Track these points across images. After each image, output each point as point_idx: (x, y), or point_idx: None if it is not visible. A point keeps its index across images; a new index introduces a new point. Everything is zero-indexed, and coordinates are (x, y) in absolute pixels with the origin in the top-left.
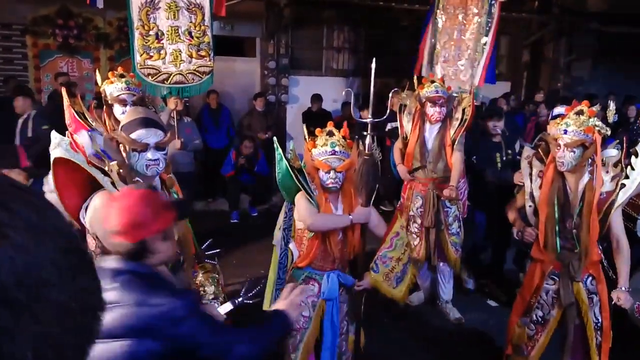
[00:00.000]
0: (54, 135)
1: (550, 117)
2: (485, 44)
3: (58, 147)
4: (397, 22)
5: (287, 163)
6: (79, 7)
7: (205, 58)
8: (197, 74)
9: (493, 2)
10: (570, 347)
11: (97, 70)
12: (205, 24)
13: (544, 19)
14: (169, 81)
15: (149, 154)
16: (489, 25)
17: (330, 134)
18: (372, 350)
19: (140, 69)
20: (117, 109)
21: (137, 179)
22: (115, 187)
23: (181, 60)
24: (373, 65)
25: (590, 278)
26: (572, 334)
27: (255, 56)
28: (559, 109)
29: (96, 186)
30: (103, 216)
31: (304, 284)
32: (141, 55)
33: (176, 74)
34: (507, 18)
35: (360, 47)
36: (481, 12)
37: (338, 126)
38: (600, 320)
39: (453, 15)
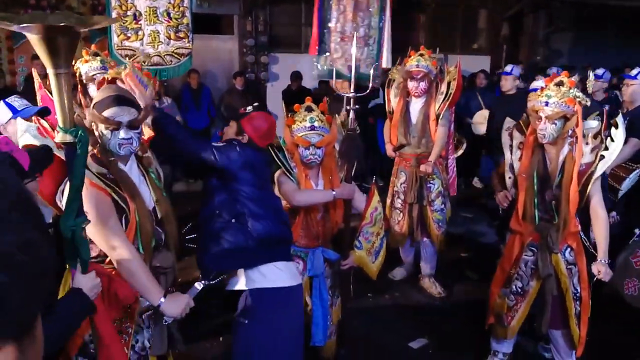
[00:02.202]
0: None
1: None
2: (380, 19)
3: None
4: None
5: None
6: None
7: (183, 40)
8: (176, 55)
9: None
10: (548, 317)
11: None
12: (184, 5)
13: None
14: (146, 63)
15: (122, 133)
16: None
17: (309, 109)
18: (356, 324)
19: (118, 49)
20: (92, 89)
21: (112, 158)
22: (89, 169)
23: (159, 42)
24: (354, 41)
25: (568, 249)
26: (550, 305)
27: (233, 34)
28: (537, 83)
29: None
30: None
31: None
32: (118, 36)
33: (154, 55)
34: None
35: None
36: None
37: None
38: (579, 290)
39: None
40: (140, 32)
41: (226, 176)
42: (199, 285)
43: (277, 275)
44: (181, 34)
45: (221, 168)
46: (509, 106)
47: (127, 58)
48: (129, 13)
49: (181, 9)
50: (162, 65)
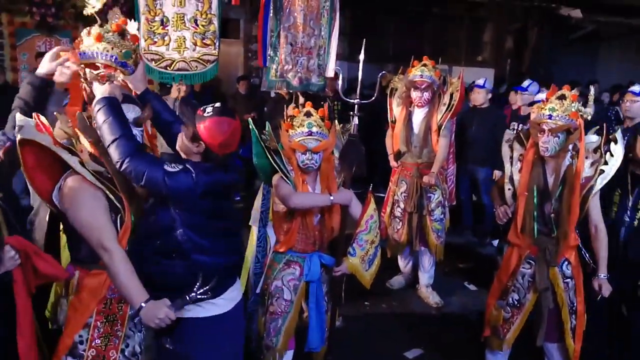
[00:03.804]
0: (19, 117)
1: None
2: (329, 29)
3: (23, 128)
4: (382, 4)
5: (262, 144)
6: None
7: (210, 47)
8: (201, 62)
9: None
10: (544, 330)
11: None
12: (212, 13)
13: (527, 6)
14: (171, 67)
15: None
16: (333, 7)
17: (308, 114)
18: (352, 333)
19: (144, 54)
20: (96, 86)
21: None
22: (85, 167)
23: (185, 48)
24: (363, 48)
25: (566, 263)
26: (547, 318)
27: (239, 38)
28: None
29: (68, 165)
30: None
31: (285, 267)
32: (145, 41)
33: (179, 61)
34: (490, 5)
35: (347, 29)
36: None
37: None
38: (575, 303)
39: None
40: (166, 38)
41: (174, 203)
42: (185, 299)
43: (214, 304)
44: (207, 41)
45: (168, 195)
46: (481, 119)
47: (153, 62)
48: (156, 19)
49: (209, 16)
50: (188, 70)
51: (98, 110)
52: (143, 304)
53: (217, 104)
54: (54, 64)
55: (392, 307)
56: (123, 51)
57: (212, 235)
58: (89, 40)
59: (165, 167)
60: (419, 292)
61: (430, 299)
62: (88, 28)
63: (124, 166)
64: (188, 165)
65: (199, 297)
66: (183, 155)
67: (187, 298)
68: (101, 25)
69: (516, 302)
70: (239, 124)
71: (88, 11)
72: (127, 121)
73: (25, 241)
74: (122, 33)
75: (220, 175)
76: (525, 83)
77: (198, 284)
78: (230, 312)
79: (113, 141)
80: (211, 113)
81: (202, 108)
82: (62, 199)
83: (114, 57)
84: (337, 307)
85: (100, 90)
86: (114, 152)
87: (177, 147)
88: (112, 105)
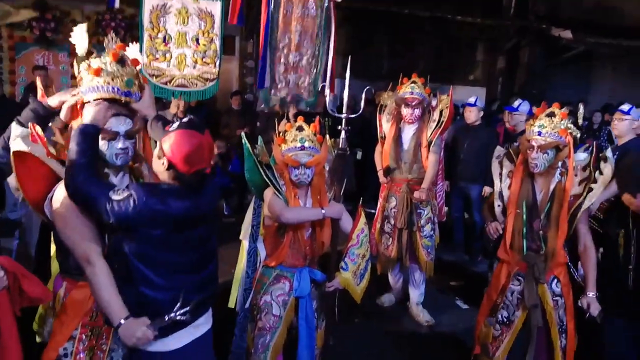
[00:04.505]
0: (14, 127)
1: (511, 110)
2: (325, 48)
3: (18, 139)
4: (376, 23)
5: (254, 159)
6: (56, 0)
7: (210, 65)
8: (201, 79)
9: (327, 3)
10: (533, 348)
11: (74, 64)
12: (214, 32)
13: (519, 26)
14: (172, 83)
15: (120, 143)
16: (328, 27)
17: (300, 129)
18: (342, 350)
19: (146, 69)
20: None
21: (106, 170)
22: None
23: (185, 65)
24: (348, 63)
25: (555, 280)
26: (536, 336)
27: (234, 54)
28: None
29: (60, 175)
30: None
31: (275, 282)
32: (148, 57)
33: (179, 78)
34: (483, 25)
35: (340, 47)
36: (317, 14)
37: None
38: (565, 322)
39: (291, 15)
40: (168, 55)
41: (121, 230)
42: (163, 319)
43: (174, 338)
44: (208, 60)
45: (113, 223)
46: (473, 137)
47: (153, 78)
48: (159, 36)
49: (210, 35)
50: (188, 87)
51: (74, 135)
52: (122, 321)
53: (186, 119)
54: (66, 104)
55: (383, 324)
56: (125, 80)
57: (164, 269)
58: (88, 76)
59: (110, 193)
60: (410, 311)
61: (421, 317)
62: (87, 62)
63: (71, 191)
64: (132, 191)
65: (178, 318)
66: (160, 177)
67: (166, 319)
68: (99, 56)
69: (505, 320)
70: (209, 141)
71: (79, 52)
72: (92, 150)
73: (14, 262)
74: (121, 60)
75: (180, 202)
76: (516, 103)
77: (178, 304)
78: (194, 344)
79: (69, 166)
80: (176, 127)
81: (170, 124)
82: (51, 209)
83: (116, 88)
84: (331, 323)
85: (86, 115)
86: (66, 178)
87: (153, 167)
88: (86, 134)
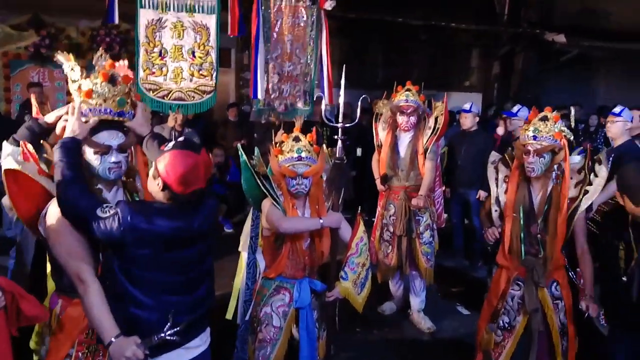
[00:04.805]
0: (5, 146)
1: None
2: (317, 57)
3: (9, 157)
4: (370, 32)
5: (252, 170)
6: (52, 17)
7: (207, 77)
8: (198, 92)
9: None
10: (535, 353)
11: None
12: (210, 45)
13: (513, 32)
14: (168, 97)
15: (112, 157)
16: (319, 35)
17: (297, 139)
18: (343, 359)
19: (143, 84)
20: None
21: (99, 186)
22: None
23: (182, 78)
24: (343, 73)
25: (555, 284)
26: (537, 340)
27: (231, 67)
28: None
29: (53, 193)
30: None
31: (275, 293)
32: (144, 71)
33: (176, 91)
34: (477, 31)
35: (335, 57)
36: (308, 23)
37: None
38: (565, 325)
39: (282, 25)
40: (164, 68)
41: (110, 248)
42: (153, 339)
43: (166, 358)
44: (204, 72)
45: (100, 241)
46: (470, 143)
47: (150, 92)
48: (155, 50)
49: (206, 48)
50: (185, 100)
51: (55, 150)
52: (113, 339)
53: (182, 138)
54: (61, 121)
55: (384, 333)
56: (117, 100)
57: (153, 289)
58: (79, 99)
59: (97, 211)
60: (411, 318)
61: (423, 324)
62: (78, 84)
63: (62, 207)
64: (118, 209)
65: (167, 338)
66: (155, 198)
67: (155, 338)
68: (88, 76)
69: (507, 325)
70: (205, 160)
71: (71, 88)
72: (76, 164)
73: (11, 282)
74: (112, 79)
75: (169, 221)
76: (515, 108)
77: (168, 324)
78: None
79: (58, 183)
80: (171, 147)
81: (166, 143)
82: (44, 226)
83: (109, 110)
84: (332, 333)
85: (68, 129)
86: (57, 194)
87: (148, 187)
88: (67, 148)
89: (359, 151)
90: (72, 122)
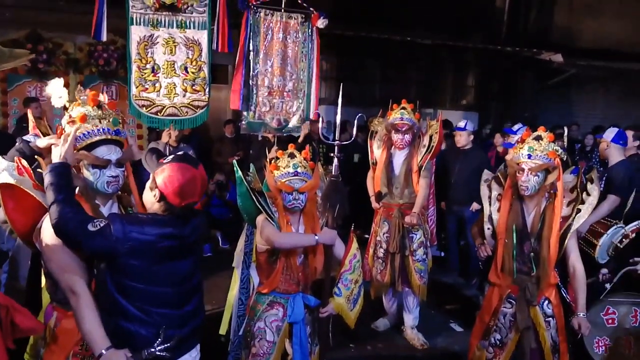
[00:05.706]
0: (0, 161)
1: (511, 133)
2: (309, 73)
3: (4, 172)
4: (368, 50)
5: (247, 186)
6: (49, 32)
7: (199, 93)
8: (191, 107)
9: (310, 29)
10: None
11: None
12: (202, 60)
13: (511, 51)
14: (162, 113)
15: (111, 171)
16: (311, 51)
17: (292, 156)
18: None
19: (136, 100)
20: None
21: (96, 201)
22: None
23: (175, 94)
24: (340, 92)
25: (546, 302)
26: (530, 358)
27: (227, 83)
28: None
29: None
30: None
31: (268, 308)
32: (137, 87)
33: (169, 107)
34: (474, 50)
35: (332, 74)
36: (300, 39)
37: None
38: (557, 343)
39: (272, 40)
40: (157, 84)
41: (103, 260)
42: (143, 353)
43: None
44: (197, 87)
45: (92, 256)
46: (465, 160)
47: (144, 108)
48: (147, 66)
49: (199, 63)
50: (178, 116)
51: (45, 175)
52: (104, 351)
53: (180, 152)
54: (54, 147)
55: (378, 349)
56: (111, 119)
57: (143, 302)
58: (70, 128)
59: (89, 226)
60: (405, 334)
61: (416, 340)
62: (69, 114)
63: (54, 229)
64: (110, 221)
65: (157, 354)
66: (150, 209)
67: (145, 353)
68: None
69: (498, 342)
70: (202, 174)
71: (56, 104)
72: (67, 186)
73: (5, 296)
74: (99, 106)
75: (160, 230)
76: (515, 127)
77: (159, 340)
78: None
79: (52, 203)
80: (170, 160)
81: (164, 156)
82: (39, 239)
83: (106, 129)
84: (325, 348)
85: (55, 155)
86: (50, 214)
87: (143, 199)
88: (57, 172)
89: (356, 157)
90: (61, 148)
